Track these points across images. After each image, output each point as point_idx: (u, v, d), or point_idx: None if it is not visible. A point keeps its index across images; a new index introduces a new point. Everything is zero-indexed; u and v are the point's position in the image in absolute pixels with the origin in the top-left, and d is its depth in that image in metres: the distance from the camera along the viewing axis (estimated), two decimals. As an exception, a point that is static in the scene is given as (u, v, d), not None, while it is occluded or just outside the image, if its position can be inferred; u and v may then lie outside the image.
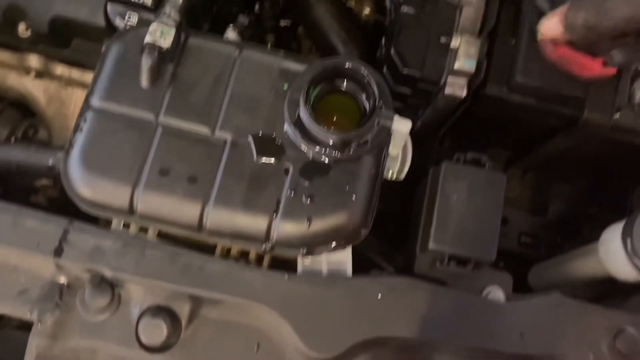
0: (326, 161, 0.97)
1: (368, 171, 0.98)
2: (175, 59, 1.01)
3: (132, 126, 0.98)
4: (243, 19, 1.18)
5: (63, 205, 0.99)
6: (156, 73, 0.99)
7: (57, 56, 1.21)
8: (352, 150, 0.97)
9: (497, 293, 0.99)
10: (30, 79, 1.21)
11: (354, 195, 0.96)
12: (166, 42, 0.99)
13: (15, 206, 0.96)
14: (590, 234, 1.14)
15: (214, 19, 1.24)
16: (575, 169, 1.47)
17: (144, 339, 0.90)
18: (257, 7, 1.44)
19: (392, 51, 1.13)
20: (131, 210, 0.95)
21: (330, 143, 0.96)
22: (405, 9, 1.14)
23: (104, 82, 1.00)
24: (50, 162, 1.07)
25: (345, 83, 1.02)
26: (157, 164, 0.96)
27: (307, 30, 1.50)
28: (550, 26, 0.99)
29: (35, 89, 1.21)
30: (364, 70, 0.99)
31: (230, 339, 0.95)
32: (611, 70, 1.08)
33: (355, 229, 0.97)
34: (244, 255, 1.04)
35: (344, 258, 1.01)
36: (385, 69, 1.17)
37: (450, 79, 1.10)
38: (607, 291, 1.15)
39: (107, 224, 1.02)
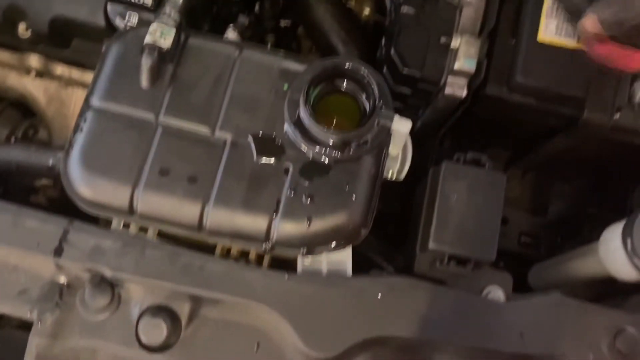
0: (326, 161, 0.97)
1: (368, 171, 0.98)
2: (175, 59, 1.01)
3: (132, 126, 0.98)
4: (243, 19, 1.18)
5: (63, 205, 0.99)
6: (156, 73, 0.99)
7: (57, 56, 1.21)
8: (352, 150, 0.97)
9: (497, 293, 0.99)
10: (30, 79, 1.21)
11: (354, 195, 0.96)
12: (166, 42, 0.99)
13: (15, 206, 0.96)
14: (590, 234, 1.14)
15: (214, 19, 1.24)
16: (575, 169, 1.47)
17: (144, 339, 0.90)
18: (257, 7, 1.44)
19: (392, 51, 1.13)
20: (131, 210, 0.95)
21: (330, 143, 0.96)
22: (405, 9, 1.14)
23: (104, 82, 1.00)
24: (50, 162, 1.07)
25: (345, 83, 1.02)
26: (157, 164, 0.96)
27: (307, 30, 1.50)
28: (590, 24, 1.00)
29: (35, 89, 1.21)
30: (364, 70, 0.99)
31: (230, 339, 0.95)
32: None
33: (355, 229, 0.97)
34: (244, 255, 1.04)
35: (344, 258, 1.01)
36: (385, 69, 1.17)
37: (450, 79, 1.10)
38: (607, 291, 1.15)
39: (107, 224, 1.02)
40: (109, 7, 1.10)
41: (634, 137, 1.14)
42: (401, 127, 0.99)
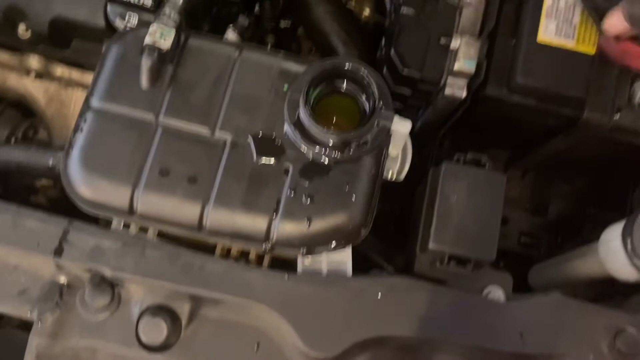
0: (326, 161, 0.97)
1: (368, 171, 0.98)
2: (175, 59, 1.01)
3: (132, 127, 0.98)
4: (243, 20, 1.18)
5: (63, 205, 0.99)
6: (156, 74, 0.99)
7: (57, 57, 1.21)
8: (352, 150, 0.97)
9: (497, 293, 1.00)
10: (30, 80, 1.21)
11: (353, 196, 0.96)
12: (166, 43, 0.99)
13: (15, 206, 0.96)
14: (590, 234, 1.14)
15: (214, 20, 1.25)
16: (575, 169, 1.47)
17: (144, 339, 0.91)
18: (257, 8, 1.44)
19: (392, 52, 1.13)
20: (131, 210, 0.95)
21: (330, 143, 0.96)
22: (405, 10, 1.13)
23: (104, 82, 1.00)
24: (51, 162, 1.07)
25: (345, 84, 1.02)
26: (157, 165, 0.96)
27: (307, 31, 1.50)
28: (615, 23, 1.00)
29: (35, 89, 1.21)
30: (364, 71, 1.00)
31: (230, 339, 0.95)
32: None
33: (355, 229, 0.97)
34: (244, 255, 1.04)
35: (344, 258, 1.01)
36: (385, 70, 1.17)
37: (450, 79, 1.10)
38: (607, 291, 1.15)
39: (107, 224, 1.02)
40: (109, 7, 1.10)
41: (634, 137, 1.14)
42: (401, 127, 0.99)
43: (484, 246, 1.02)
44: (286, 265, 1.02)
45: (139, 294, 0.94)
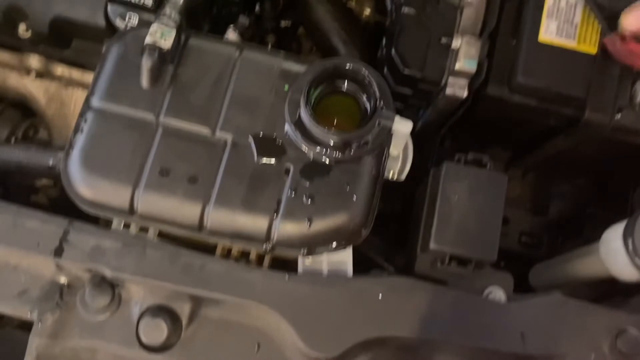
0: (327, 162, 0.97)
1: (369, 172, 0.98)
2: (175, 59, 1.01)
3: (132, 126, 0.98)
4: (243, 20, 1.18)
5: (64, 204, 0.99)
6: (156, 74, 0.99)
7: (58, 57, 1.21)
8: (352, 150, 0.97)
9: (498, 293, 0.99)
10: (30, 80, 1.21)
11: (354, 196, 0.96)
12: (167, 43, 0.99)
13: (15, 206, 0.96)
14: (591, 234, 1.14)
15: (214, 20, 1.24)
16: (576, 169, 1.47)
17: (144, 339, 0.91)
18: (257, 7, 1.44)
19: (393, 52, 1.13)
20: (131, 210, 0.95)
21: (331, 144, 0.96)
22: (406, 9, 1.13)
23: (105, 82, 1.00)
24: (51, 162, 1.07)
25: (346, 84, 1.02)
26: (158, 164, 0.96)
27: (308, 30, 1.50)
28: (633, 21, 0.99)
29: (35, 89, 1.21)
30: (365, 70, 0.99)
31: (230, 339, 0.95)
32: None
33: (355, 229, 0.97)
34: (244, 255, 1.04)
35: (344, 258, 1.01)
36: (386, 70, 1.17)
37: (451, 79, 1.10)
38: (608, 291, 1.15)
39: (107, 224, 1.02)
40: (110, 7, 1.10)
41: (635, 137, 1.14)
42: (402, 127, 0.99)
43: (485, 246, 1.02)
44: (287, 265, 1.01)
45: (139, 294, 0.94)
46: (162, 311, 0.92)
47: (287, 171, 0.96)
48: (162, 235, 1.01)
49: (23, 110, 1.26)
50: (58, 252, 0.92)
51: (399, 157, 1.05)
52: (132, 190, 0.94)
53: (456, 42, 1.09)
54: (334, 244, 0.97)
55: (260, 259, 1.05)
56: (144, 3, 1.08)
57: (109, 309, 0.93)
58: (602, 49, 1.11)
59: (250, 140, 0.98)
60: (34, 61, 1.20)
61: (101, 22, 1.10)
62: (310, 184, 0.96)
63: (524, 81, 1.12)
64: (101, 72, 1.01)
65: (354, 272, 1.01)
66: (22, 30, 1.15)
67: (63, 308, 0.94)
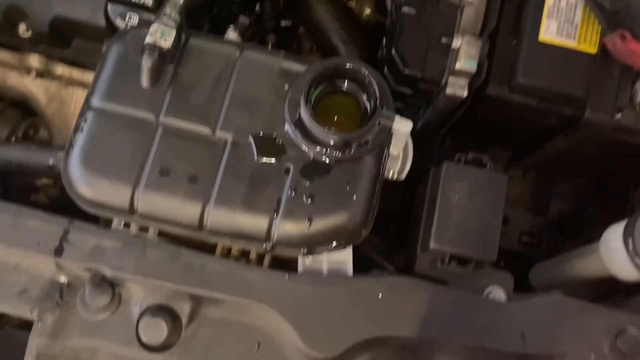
0: (327, 161, 0.97)
1: (369, 171, 0.98)
2: (175, 59, 1.01)
3: (132, 126, 0.98)
4: (244, 20, 1.18)
5: (64, 203, 0.99)
6: (157, 73, 0.99)
7: (58, 56, 1.21)
8: (353, 150, 0.97)
9: (498, 293, 0.99)
10: (30, 79, 1.21)
11: (354, 195, 0.96)
12: (167, 42, 0.99)
13: (15, 206, 0.96)
14: (591, 234, 1.14)
15: (215, 20, 1.24)
16: (576, 169, 1.47)
17: (144, 338, 0.91)
18: (257, 7, 1.43)
19: (393, 51, 1.13)
20: (132, 209, 0.95)
21: (331, 143, 0.96)
22: (406, 9, 1.13)
23: (105, 82, 1.00)
24: (51, 161, 1.07)
25: (346, 83, 1.02)
26: (158, 164, 0.96)
27: (308, 30, 1.50)
28: None
29: (35, 88, 1.21)
30: (365, 70, 0.99)
31: (230, 339, 0.95)
32: None
33: (355, 229, 0.97)
34: (244, 255, 1.04)
35: (344, 258, 1.01)
36: (386, 69, 1.17)
37: (451, 79, 1.10)
38: (608, 291, 1.15)
39: (107, 223, 1.02)
40: (110, 7, 1.10)
41: (635, 137, 1.14)
42: (402, 127, 0.99)
43: (485, 246, 1.02)
44: (287, 265, 1.01)
45: (139, 293, 0.94)
46: (162, 311, 0.92)
47: (287, 171, 0.96)
48: (162, 234, 1.01)
49: (23, 110, 1.26)
50: (58, 251, 0.92)
51: (399, 157, 1.05)
52: (132, 190, 0.95)
53: (456, 42, 1.09)
54: (334, 244, 0.97)
55: (260, 259, 1.05)
56: (144, 3, 1.08)
57: (109, 308, 0.93)
58: (603, 48, 1.11)
59: (250, 139, 0.98)
60: (34, 61, 1.20)
61: (101, 21, 1.11)
62: (310, 184, 0.96)
63: (524, 81, 1.12)
64: (101, 71, 1.01)
65: (354, 271, 1.01)
66: (22, 30, 1.15)
67: (63, 307, 0.94)
